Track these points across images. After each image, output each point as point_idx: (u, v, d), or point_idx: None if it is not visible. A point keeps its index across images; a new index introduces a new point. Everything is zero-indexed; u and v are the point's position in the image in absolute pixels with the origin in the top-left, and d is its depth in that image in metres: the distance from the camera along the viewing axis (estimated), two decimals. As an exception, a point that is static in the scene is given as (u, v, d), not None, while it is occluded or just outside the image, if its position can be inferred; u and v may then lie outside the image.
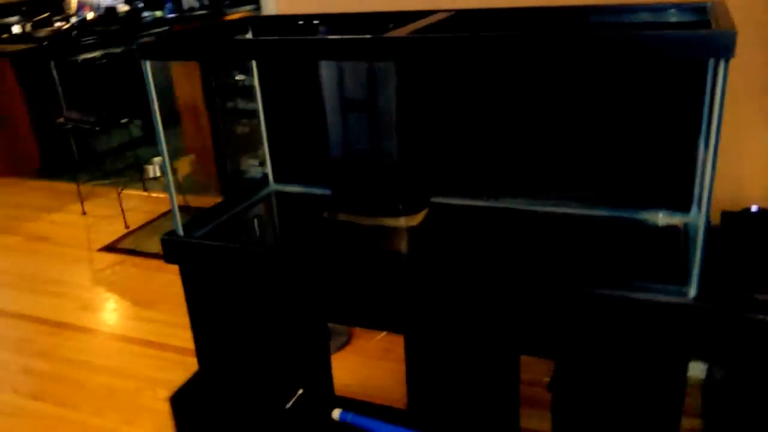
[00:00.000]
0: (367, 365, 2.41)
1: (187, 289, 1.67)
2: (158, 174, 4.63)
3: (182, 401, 1.45)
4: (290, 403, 2.13)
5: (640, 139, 1.49)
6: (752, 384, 1.56)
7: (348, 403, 2.17)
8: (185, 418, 1.48)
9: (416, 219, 1.66)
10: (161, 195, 4.26)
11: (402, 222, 1.68)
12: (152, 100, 1.47)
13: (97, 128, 3.64)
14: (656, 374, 1.27)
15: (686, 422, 1.49)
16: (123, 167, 4.72)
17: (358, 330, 2.58)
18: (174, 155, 4.64)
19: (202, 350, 1.70)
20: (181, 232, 1.61)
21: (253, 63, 1.83)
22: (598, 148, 1.54)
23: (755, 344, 1.51)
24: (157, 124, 1.50)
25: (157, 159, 4.66)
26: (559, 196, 1.59)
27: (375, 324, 1.60)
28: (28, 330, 2.85)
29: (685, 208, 1.47)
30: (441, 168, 1.72)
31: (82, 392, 2.39)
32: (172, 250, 1.62)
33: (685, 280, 1.19)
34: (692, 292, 1.18)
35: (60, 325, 2.86)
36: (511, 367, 1.51)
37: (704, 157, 1.14)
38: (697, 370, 2.15)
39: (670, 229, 1.49)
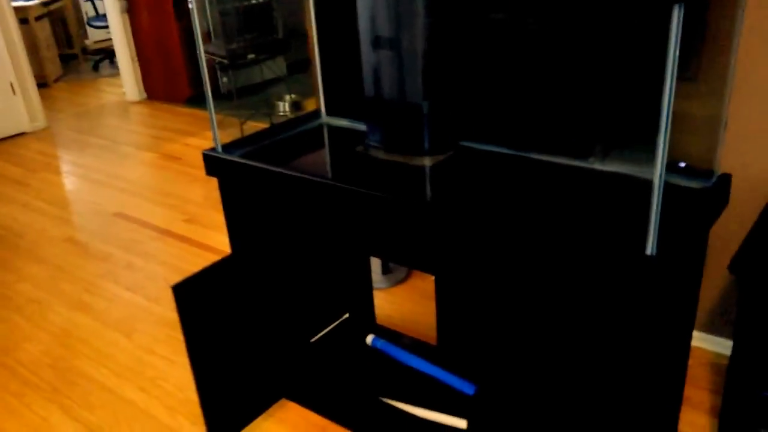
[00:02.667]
0: (416, 303, 2.51)
1: (223, 200, 1.85)
2: (287, 111, 4.92)
3: (185, 290, 1.65)
4: (332, 325, 2.30)
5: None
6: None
7: (386, 333, 2.30)
8: (187, 308, 1.68)
9: (439, 159, 1.71)
10: (284, 130, 4.54)
11: (426, 161, 1.74)
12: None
13: (226, 62, 3.94)
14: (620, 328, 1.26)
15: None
16: (257, 101, 5.06)
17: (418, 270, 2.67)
18: (306, 95, 4.92)
19: (235, 254, 1.88)
20: (219, 149, 1.79)
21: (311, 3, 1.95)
22: (633, 112, 1.50)
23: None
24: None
25: (288, 96, 4.95)
26: (583, 150, 1.57)
27: (394, 257, 1.67)
28: (138, 233, 3.24)
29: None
30: (469, 114, 1.75)
31: (167, 291, 2.71)
32: (211, 164, 1.81)
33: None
34: (649, 248, 1.16)
35: (164, 232, 3.22)
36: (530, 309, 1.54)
37: (664, 114, 1.10)
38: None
39: (687, 191, 1.43)
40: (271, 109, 4.87)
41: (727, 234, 1.89)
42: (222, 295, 1.81)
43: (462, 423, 1.84)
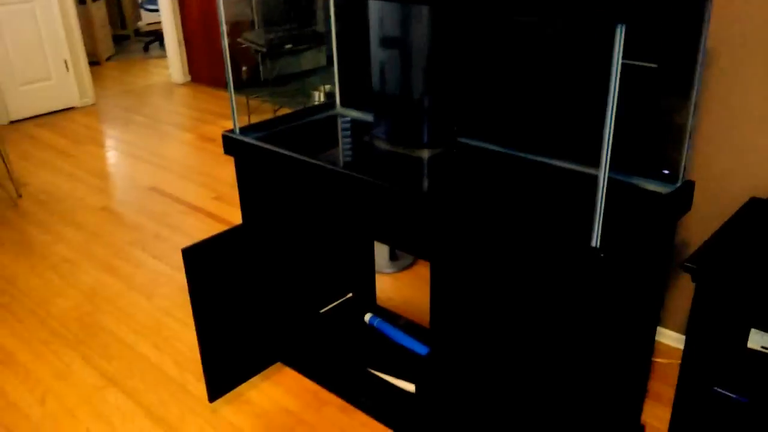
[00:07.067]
0: (417, 288, 2.65)
1: (238, 176, 2.02)
2: (322, 100, 5.09)
3: (194, 253, 1.83)
4: (335, 303, 2.46)
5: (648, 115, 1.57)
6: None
7: (384, 313, 2.45)
8: (195, 270, 1.85)
9: (436, 152, 1.85)
10: (317, 119, 4.72)
11: (424, 153, 1.88)
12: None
13: (264, 50, 4.12)
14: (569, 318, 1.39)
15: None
16: (294, 90, 5.25)
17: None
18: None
19: (245, 225, 2.05)
20: (237, 131, 1.96)
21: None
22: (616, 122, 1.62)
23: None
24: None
25: (322, 87, 5.12)
26: (572, 155, 1.70)
27: (388, 240, 1.81)
28: (170, 206, 3.45)
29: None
30: (466, 112, 1.89)
31: (189, 261, 2.91)
32: (229, 145, 1.98)
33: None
34: (594, 241, 1.29)
35: (194, 208, 3.42)
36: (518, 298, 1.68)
37: (608, 124, 1.22)
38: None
39: (652, 195, 1.54)
40: (307, 97, 5.05)
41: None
42: (229, 261, 1.98)
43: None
